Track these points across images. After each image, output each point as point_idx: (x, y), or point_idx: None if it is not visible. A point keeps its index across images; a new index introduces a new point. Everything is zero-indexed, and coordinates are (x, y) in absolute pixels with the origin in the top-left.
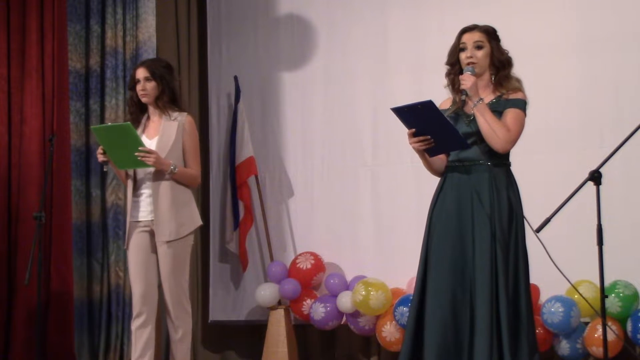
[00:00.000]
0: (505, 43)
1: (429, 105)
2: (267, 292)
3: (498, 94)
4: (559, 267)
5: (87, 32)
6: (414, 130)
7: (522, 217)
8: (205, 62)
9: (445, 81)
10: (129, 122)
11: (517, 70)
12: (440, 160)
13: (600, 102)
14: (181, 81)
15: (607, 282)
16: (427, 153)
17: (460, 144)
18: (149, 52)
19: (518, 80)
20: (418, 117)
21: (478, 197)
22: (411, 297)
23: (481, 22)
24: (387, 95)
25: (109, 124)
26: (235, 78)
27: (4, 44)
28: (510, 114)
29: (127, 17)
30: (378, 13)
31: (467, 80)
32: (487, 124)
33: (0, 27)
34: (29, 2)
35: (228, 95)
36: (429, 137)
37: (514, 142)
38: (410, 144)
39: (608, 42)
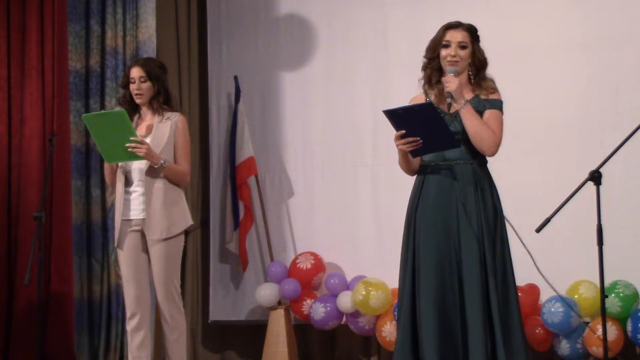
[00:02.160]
0: (505, 43)
1: (427, 107)
2: (267, 292)
3: (477, 93)
4: (557, 268)
5: (87, 32)
6: (403, 132)
7: (503, 216)
8: (205, 62)
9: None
10: (123, 110)
11: (517, 70)
12: (417, 160)
13: (600, 102)
14: (181, 81)
15: (607, 282)
16: (410, 153)
17: (452, 144)
18: (149, 52)
19: (492, 80)
20: (411, 119)
21: (463, 197)
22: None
23: (481, 20)
24: (387, 95)
25: (102, 111)
26: (235, 78)
27: (4, 44)
28: (492, 116)
29: (127, 17)
30: (378, 13)
31: (451, 83)
32: (475, 127)
33: (0, 27)
34: (29, 2)
35: (228, 95)
36: (418, 138)
37: (499, 144)
38: (398, 145)
39: (608, 42)
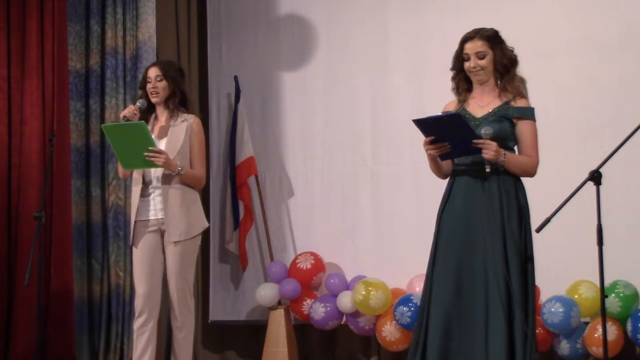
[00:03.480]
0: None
1: (456, 118)
2: (267, 292)
3: (504, 99)
4: (557, 268)
5: (87, 32)
6: (432, 138)
7: (529, 216)
8: (205, 62)
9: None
10: (143, 121)
11: (517, 71)
12: (448, 163)
13: (600, 102)
14: None
15: (607, 282)
16: (439, 157)
17: (479, 149)
18: (149, 52)
19: (521, 81)
20: (440, 126)
21: (489, 200)
22: (413, 298)
23: (480, 23)
24: (387, 96)
25: (122, 122)
26: (235, 78)
27: (4, 44)
28: (527, 131)
29: (127, 17)
30: (378, 13)
31: (490, 151)
32: (520, 169)
33: (0, 27)
34: (29, 2)
35: (228, 95)
36: (447, 143)
37: (538, 164)
38: (427, 150)
39: (608, 42)
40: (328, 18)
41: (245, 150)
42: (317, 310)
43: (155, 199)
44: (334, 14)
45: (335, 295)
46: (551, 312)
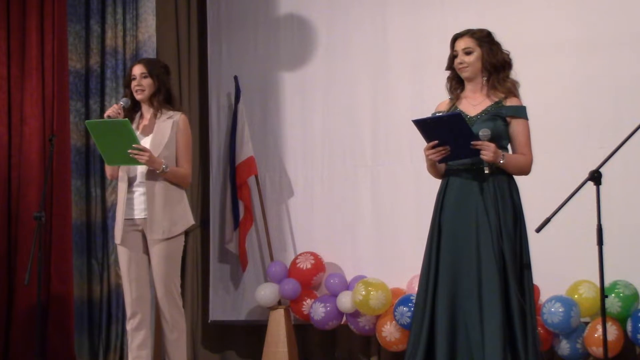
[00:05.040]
0: (505, 43)
1: (456, 118)
2: (267, 292)
3: (495, 99)
4: (557, 268)
5: (87, 32)
6: (435, 142)
7: (523, 215)
8: (205, 62)
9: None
10: (126, 119)
11: (516, 70)
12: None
13: (600, 102)
14: (181, 81)
15: (607, 282)
16: (437, 161)
17: (478, 151)
18: (149, 52)
19: (513, 83)
20: (440, 128)
21: (482, 201)
22: (413, 298)
23: (480, 23)
24: (387, 96)
25: (106, 119)
26: (235, 78)
27: (4, 44)
28: (520, 129)
29: (127, 17)
30: (378, 13)
31: (489, 153)
32: (517, 168)
33: (0, 27)
34: (29, 2)
35: (228, 95)
36: (447, 146)
37: (532, 160)
38: (428, 155)
39: (608, 42)
40: (328, 18)
41: (245, 150)
42: (317, 310)
43: (139, 198)
44: (334, 14)
45: (335, 295)
46: (551, 312)
